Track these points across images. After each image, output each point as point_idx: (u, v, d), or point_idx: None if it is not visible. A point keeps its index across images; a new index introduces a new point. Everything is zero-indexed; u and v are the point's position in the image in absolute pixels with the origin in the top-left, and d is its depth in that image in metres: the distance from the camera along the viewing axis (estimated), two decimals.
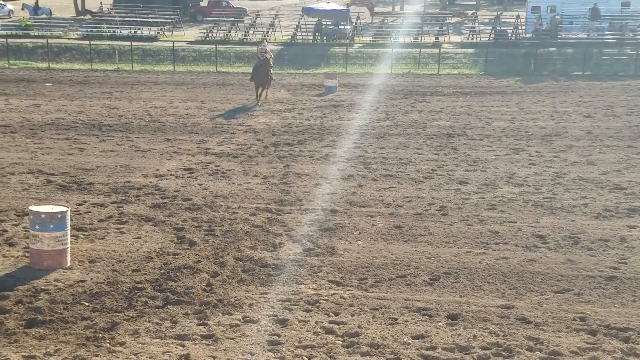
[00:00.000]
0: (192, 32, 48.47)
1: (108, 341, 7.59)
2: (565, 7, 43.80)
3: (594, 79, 31.97)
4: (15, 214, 11.99)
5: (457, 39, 45.57)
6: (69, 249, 9.77)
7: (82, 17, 51.34)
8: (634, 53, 35.89)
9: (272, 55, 24.84)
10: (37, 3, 55.19)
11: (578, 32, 43.12)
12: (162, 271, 9.53)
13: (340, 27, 47.03)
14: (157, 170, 15.50)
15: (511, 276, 9.66)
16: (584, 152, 17.41)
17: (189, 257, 10.08)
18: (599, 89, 28.69)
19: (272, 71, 25.55)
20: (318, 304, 8.67)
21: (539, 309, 8.61)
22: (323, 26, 46.57)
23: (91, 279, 9.24)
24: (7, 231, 11.09)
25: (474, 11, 52.95)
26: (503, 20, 47.90)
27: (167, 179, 14.68)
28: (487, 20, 50.43)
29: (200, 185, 14.26)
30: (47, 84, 31.16)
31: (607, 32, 42.26)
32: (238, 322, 8.11)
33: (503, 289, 9.27)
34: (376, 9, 56.13)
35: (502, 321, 8.31)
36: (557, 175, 15.11)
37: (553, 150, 17.67)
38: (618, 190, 13.88)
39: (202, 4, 60.52)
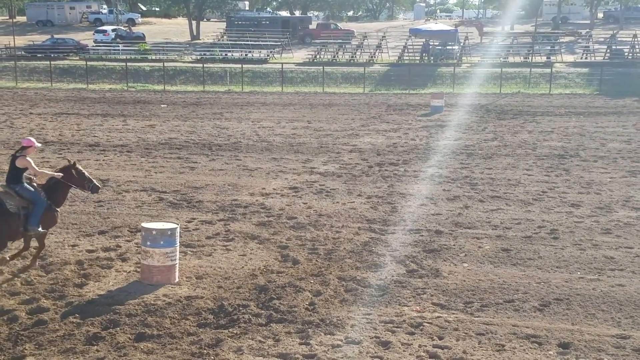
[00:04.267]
0: (301, 54, 49.56)
1: (212, 357, 7.73)
2: None
3: None
4: (128, 230, 12.55)
5: (569, 58, 43.99)
6: (177, 265, 10.08)
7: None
8: None
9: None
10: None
11: None
12: (266, 289, 9.69)
13: (447, 47, 46.59)
14: (264, 188, 15.87)
15: (628, 304, 9.13)
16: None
17: (292, 276, 10.21)
18: None
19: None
20: (422, 327, 8.53)
21: None
22: (430, 46, 46.29)
23: (197, 295, 9.49)
24: (120, 247, 11.61)
25: (588, 30, 50.95)
26: (619, 39, 45.75)
27: (272, 198, 15.00)
28: (601, 39, 48.36)
29: (304, 204, 14.46)
30: (162, 106, 32.76)
31: None
32: (340, 342, 8.10)
33: (619, 318, 8.77)
34: (485, 29, 55.17)
35: (617, 352, 7.85)
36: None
37: None
38: None
39: (310, 26, 61.83)
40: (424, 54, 46.27)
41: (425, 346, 8.02)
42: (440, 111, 28.91)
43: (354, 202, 14.63)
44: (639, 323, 8.60)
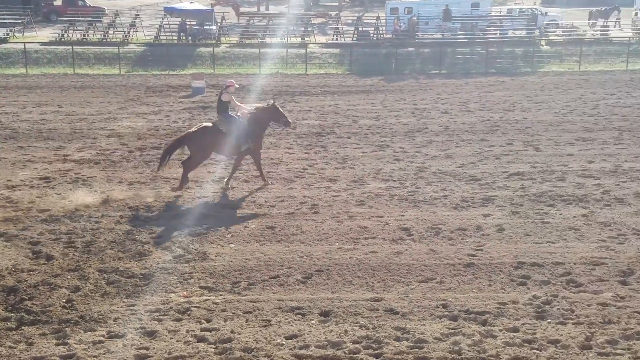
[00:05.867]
0: (46, 33, 45.86)
1: None
2: (421, 9, 45.66)
3: (449, 77, 33.60)
4: None
5: (322, 39, 46.31)
6: None
7: None
8: (484, 52, 38.09)
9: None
10: None
11: (433, 32, 45.12)
12: (15, 290, 8.87)
13: (205, 27, 46.35)
14: (9, 180, 14.49)
15: (380, 269, 9.94)
16: (442, 146, 18.23)
17: (46, 273, 9.48)
18: (454, 86, 30.21)
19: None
20: (189, 312, 8.46)
21: (405, 299, 8.92)
22: (187, 26, 45.69)
23: None
24: None
25: (337, 12, 54.03)
26: (365, 21, 49.13)
27: (20, 190, 13.76)
28: (349, 21, 51.63)
29: (58, 194, 13.48)
30: None
31: (459, 32, 44.56)
32: (102, 338, 7.73)
33: (372, 283, 9.50)
34: (241, 9, 55.84)
35: (371, 314, 8.52)
36: (419, 170, 15.73)
37: (415, 146, 18.37)
38: (474, 181, 14.66)
39: (55, 3, 57.40)
40: (181, 34, 45.53)
41: (193, 331, 7.98)
42: (202, 92, 28.71)
43: (114, 189, 13.98)
44: (390, 285, 9.41)
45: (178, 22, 46.02)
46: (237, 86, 15.16)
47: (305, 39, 45.43)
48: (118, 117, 22.76)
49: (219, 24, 46.95)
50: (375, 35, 45.55)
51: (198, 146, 13.54)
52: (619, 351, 7.55)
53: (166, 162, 13.63)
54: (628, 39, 40.72)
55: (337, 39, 45.75)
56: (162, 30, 46.12)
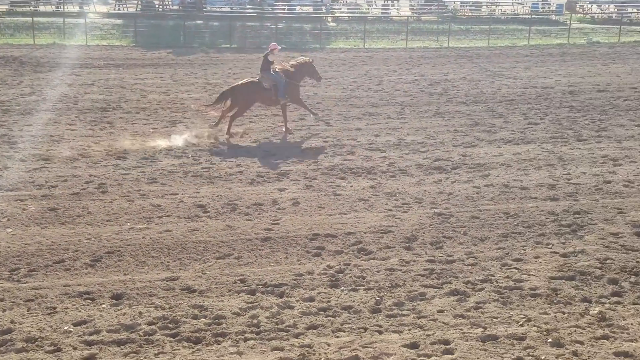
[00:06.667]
0: None
1: None
2: None
3: (240, 51, 33.60)
4: None
5: (103, 8, 43.85)
6: None
7: None
8: (273, 27, 38.66)
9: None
10: None
11: (222, 5, 44.76)
12: None
13: None
14: None
15: (175, 248, 9.68)
16: (236, 122, 18.10)
17: None
18: (246, 61, 30.25)
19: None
20: None
21: (203, 277, 8.79)
22: None
23: None
24: None
25: None
26: None
27: None
28: None
29: None
30: None
31: (248, 7, 44.74)
32: None
33: (167, 262, 9.22)
34: None
35: (167, 294, 8.27)
36: (213, 146, 15.54)
37: (208, 121, 18.04)
38: (269, 156, 14.83)
39: None
40: None
41: None
42: None
43: None
44: (186, 264, 9.19)
45: None
46: (280, 48, 17.19)
47: (84, 7, 42.74)
48: None
49: None
50: (160, 6, 44.11)
51: (242, 97, 16.03)
52: (405, 312, 8.08)
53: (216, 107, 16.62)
54: (406, 17, 43.85)
55: (119, 9, 43.62)
56: None
